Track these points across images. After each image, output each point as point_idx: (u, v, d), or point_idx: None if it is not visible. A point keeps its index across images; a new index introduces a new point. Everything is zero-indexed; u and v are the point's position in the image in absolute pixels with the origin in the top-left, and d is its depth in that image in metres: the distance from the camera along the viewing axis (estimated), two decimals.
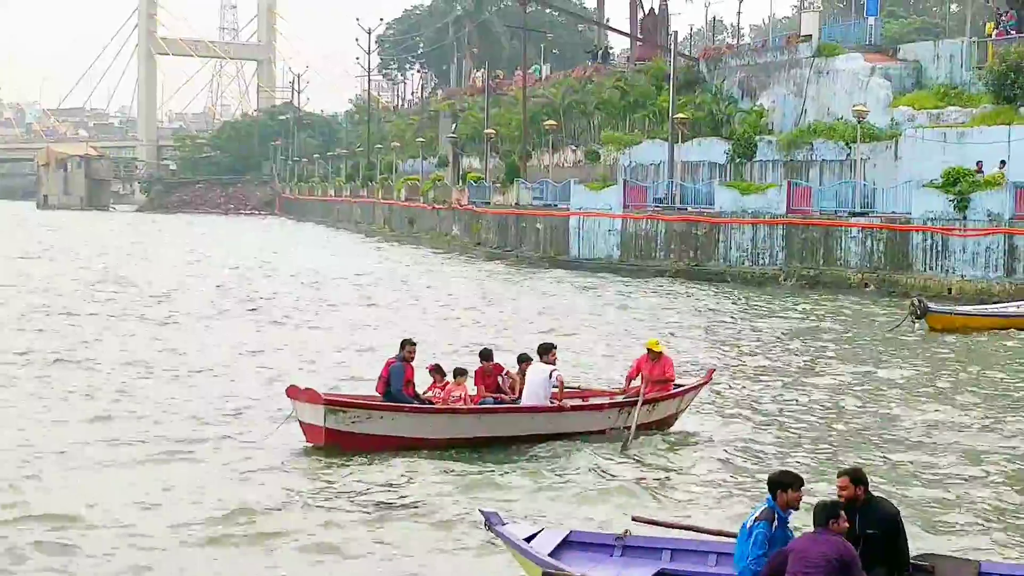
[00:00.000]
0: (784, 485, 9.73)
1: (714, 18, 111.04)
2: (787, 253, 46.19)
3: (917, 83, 52.51)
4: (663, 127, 59.33)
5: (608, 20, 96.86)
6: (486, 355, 18.73)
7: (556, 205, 59.14)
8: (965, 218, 40.60)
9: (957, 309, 33.77)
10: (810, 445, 18.21)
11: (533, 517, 13.26)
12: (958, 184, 40.85)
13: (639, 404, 17.88)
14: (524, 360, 18.38)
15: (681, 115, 55.02)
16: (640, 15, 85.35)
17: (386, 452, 16.62)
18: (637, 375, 18.69)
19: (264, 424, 18.56)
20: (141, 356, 25.78)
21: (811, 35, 56.95)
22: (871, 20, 57.77)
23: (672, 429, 18.88)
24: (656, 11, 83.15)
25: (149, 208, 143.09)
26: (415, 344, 18.16)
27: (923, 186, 42.16)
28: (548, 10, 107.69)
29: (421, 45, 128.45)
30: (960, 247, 40.62)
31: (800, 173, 51.26)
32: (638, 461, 16.81)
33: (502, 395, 18.23)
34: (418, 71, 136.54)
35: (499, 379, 18.49)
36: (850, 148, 49.00)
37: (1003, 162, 41.95)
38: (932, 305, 32.52)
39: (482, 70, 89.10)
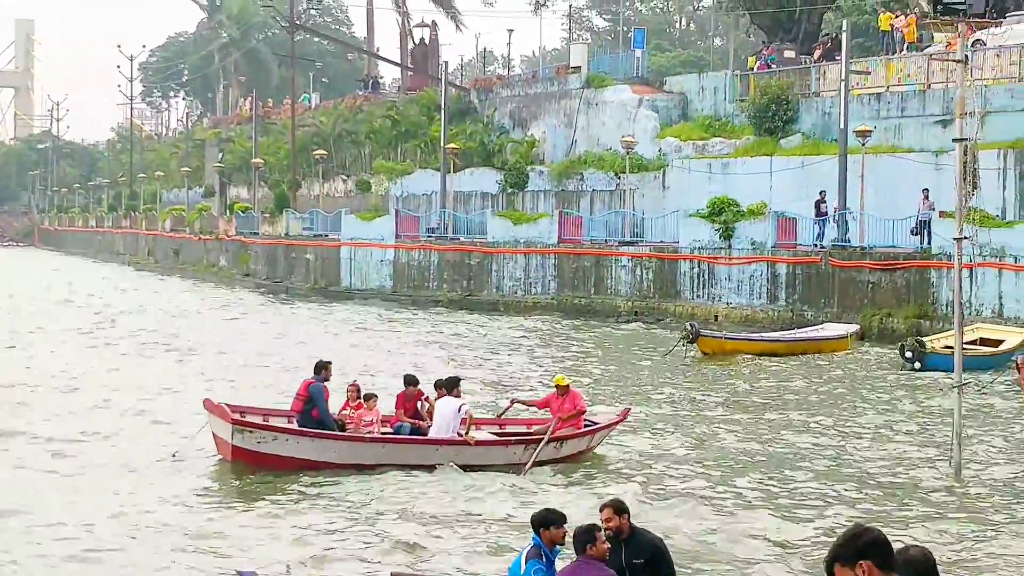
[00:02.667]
0: (548, 523, 9.75)
1: (485, 49, 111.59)
2: (559, 282, 46.39)
3: (683, 115, 53.55)
4: (435, 157, 59.05)
5: (378, 49, 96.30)
6: (411, 381, 19.26)
7: (327, 235, 58.20)
8: (730, 247, 41.47)
9: (728, 335, 34.49)
10: (603, 476, 18.11)
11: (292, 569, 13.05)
12: (723, 214, 41.76)
13: (544, 441, 18.13)
14: (440, 387, 18.76)
15: (453, 145, 54.83)
16: (410, 45, 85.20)
17: (291, 472, 17.26)
18: (545, 407, 19.13)
19: None
20: None
21: (580, 67, 57.55)
22: (638, 53, 58.69)
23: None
24: (426, 41, 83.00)
25: None
26: (331, 363, 18.76)
27: (690, 216, 42.97)
28: (317, 39, 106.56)
29: (186, 72, 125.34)
30: (726, 275, 41.44)
31: (571, 203, 51.66)
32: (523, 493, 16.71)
33: (419, 421, 18.76)
34: (183, 99, 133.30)
35: (418, 404, 19.04)
36: (619, 178, 49.61)
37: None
38: (704, 331, 33.26)
39: (249, 98, 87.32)
